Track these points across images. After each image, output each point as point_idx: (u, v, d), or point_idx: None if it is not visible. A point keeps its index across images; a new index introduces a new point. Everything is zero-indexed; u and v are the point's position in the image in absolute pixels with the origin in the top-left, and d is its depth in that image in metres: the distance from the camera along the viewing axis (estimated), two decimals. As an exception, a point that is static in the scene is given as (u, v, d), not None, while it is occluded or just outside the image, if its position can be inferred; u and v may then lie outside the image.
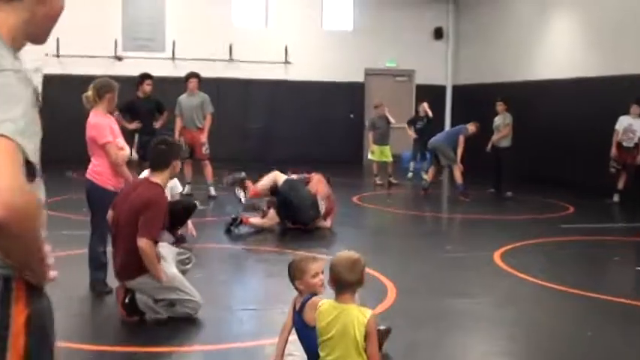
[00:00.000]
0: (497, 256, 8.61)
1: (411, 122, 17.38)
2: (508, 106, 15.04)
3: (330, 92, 21.10)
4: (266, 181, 10.59)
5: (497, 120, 15.00)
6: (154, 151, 6.16)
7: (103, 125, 6.66)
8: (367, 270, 7.73)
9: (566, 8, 17.12)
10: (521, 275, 7.73)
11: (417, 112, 17.31)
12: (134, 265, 5.73)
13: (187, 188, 13.03)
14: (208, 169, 13.16)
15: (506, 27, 19.47)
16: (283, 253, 8.53)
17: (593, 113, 15.43)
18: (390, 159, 16.18)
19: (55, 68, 17.97)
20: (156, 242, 5.80)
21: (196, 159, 13.18)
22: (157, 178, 5.97)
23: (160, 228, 5.88)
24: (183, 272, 6.23)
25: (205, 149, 13.16)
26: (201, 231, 10.43)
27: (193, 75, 13.48)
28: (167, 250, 6.24)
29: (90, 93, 6.73)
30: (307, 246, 8.67)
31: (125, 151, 6.82)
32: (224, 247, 9.41)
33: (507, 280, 7.68)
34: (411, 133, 16.89)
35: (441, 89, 21.97)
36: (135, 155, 10.80)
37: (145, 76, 13.01)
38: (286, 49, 20.77)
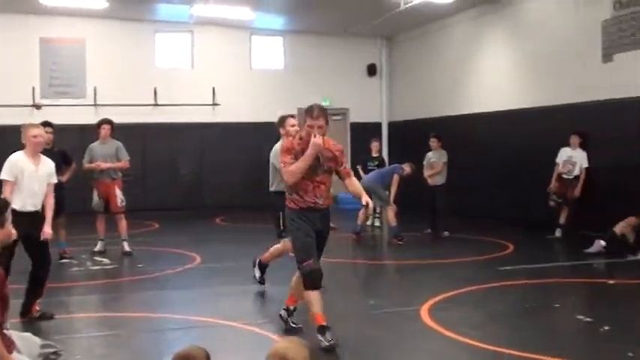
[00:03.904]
0: (425, 311, 7.84)
1: (363, 162, 16.56)
2: (442, 142, 14.56)
3: (262, 133, 20.26)
4: None
5: (432, 156, 14.54)
6: None
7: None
8: (262, 332, 7.09)
9: (500, 41, 16.91)
10: (450, 334, 6.95)
11: (369, 151, 16.44)
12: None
13: (100, 245, 12.17)
14: (123, 223, 12.21)
15: (439, 62, 19.20)
16: (216, 325, 7.64)
17: (531, 146, 15.12)
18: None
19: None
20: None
21: (111, 213, 12.24)
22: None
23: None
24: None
25: (121, 202, 12.22)
26: (116, 294, 9.62)
27: (105, 121, 12.51)
28: (26, 341, 5.15)
29: None
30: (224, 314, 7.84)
31: None
32: (147, 316, 8.23)
33: (434, 341, 6.88)
34: (363, 174, 16.00)
35: (377, 126, 21.42)
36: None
37: (44, 124, 11.68)
38: (214, 91, 20.09)
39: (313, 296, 6.60)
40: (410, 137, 19.45)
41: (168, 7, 18.29)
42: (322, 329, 6.51)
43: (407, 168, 14.02)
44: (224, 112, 20.16)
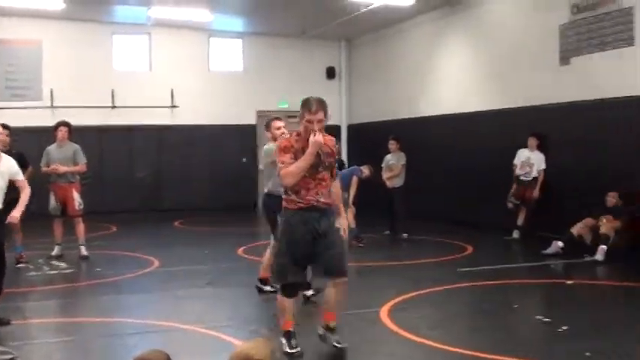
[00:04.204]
0: (385, 313, 7.85)
1: None
2: (401, 145, 14.60)
3: (221, 136, 20.36)
4: None
5: (390, 159, 14.56)
6: None
7: None
8: (221, 335, 7.05)
9: (459, 44, 16.98)
10: (410, 336, 6.96)
11: None
12: None
13: (57, 249, 12.00)
14: (80, 227, 12.05)
15: (399, 64, 19.24)
16: (175, 329, 7.56)
17: (489, 148, 15.22)
18: None
19: None
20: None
21: (68, 216, 12.06)
22: None
23: None
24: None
25: (79, 205, 12.05)
26: (73, 299, 9.47)
27: (63, 124, 12.26)
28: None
29: None
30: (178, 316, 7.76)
31: None
32: (105, 320, 8.08)
33: (393, 343, 6.89)
34: None
35: (336, 129, 21.40)
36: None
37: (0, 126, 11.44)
38: (172, 93, 19.93)
39: (285, 303, 6.45)
40: (369, 140, 19.47)
41: (125, 8, 18.12)
42: (288, 334, 6.41)
43: (366, 170, 14.00)
44: (182, 115, 20.03)
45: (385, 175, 14.56)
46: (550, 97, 13.87)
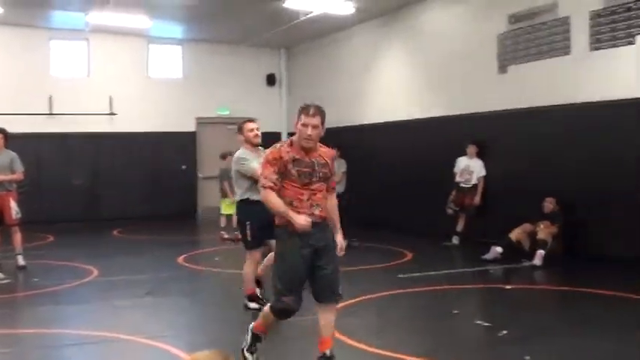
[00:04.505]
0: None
1: None
2: (342, 152, 14.65)
3: (160, 143, 20.20)
4: None
5: (331, 166, 14.56)
6: None
7: None
8: (161, 345, 6.97)
9: (399, 52, 17.13)
10: (352, 342, 6.97)
11: None
12: None
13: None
14: (17, 236, 11.80)
15: (339, 72, 19.33)
16: (115, 339, 7.43)
17: (429, 155, 15.38)
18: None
19: None
20: None
21: (5, 225, 11.82)
22: None
23: None
24: None
25: (16, 214, 11.80)
26: (10, 310, 9.28)
27: (-1, 131, 12.06)
28: None
29: None
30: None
31: None
32: (42, 332, 7.88)
33: (337, 349, 6.87)
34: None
35: (276, 136, 21.37)
36: None
37: None
38: (111, 100, 19.69)
39: (272, 321, 6.05)
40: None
41: (63, 14, 17.83)
42: (255, 337, 6.23)
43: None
44: (121, 122, 19.80)
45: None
46: (488, 105, 14.06)
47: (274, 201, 5.72)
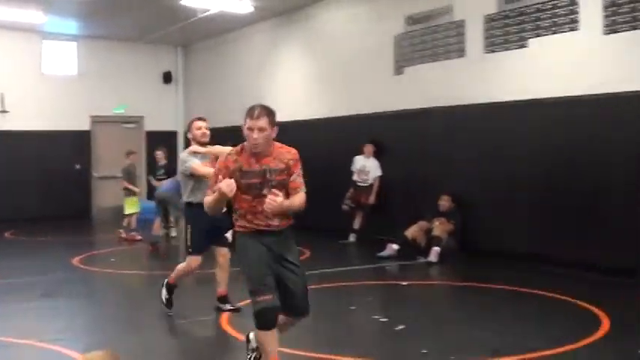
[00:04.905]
0: (225, 319, 7.85)
1: (152, 172, 16.22)
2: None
3: (54, 142, 19.70)
4: None
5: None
6: None
7: None
8: (57, 348, 6.85)
9: (297, 52, 17.22)
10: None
11: (155, 161, 16.20)
12: None
13: None
14: None
15: (236, 71, 19.29)
16: (10, 344, 7.23)
17: (326, 155, 15.43)
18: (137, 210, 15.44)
19: None
20: None
21: None
22: None
23: None
24: None
25: None
26: None
27: None
28: None
29: None
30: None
31: None
32: None
33: (236, 349, 6.89)
34: (157, 184, 15.59)
35: (172, 135, 21.23)
36: None
37: None
38: (2, 97, 19.11)
39: (266, 337, 5.27)
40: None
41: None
42: None
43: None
44: (13, 120, 19.18)
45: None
46: (385, 105, 14.26)
47: (207, 199, 5.38)
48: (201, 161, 7.87)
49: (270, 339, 5.28)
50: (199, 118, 8.23)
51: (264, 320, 5.19)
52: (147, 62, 21.13)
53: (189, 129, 8.16)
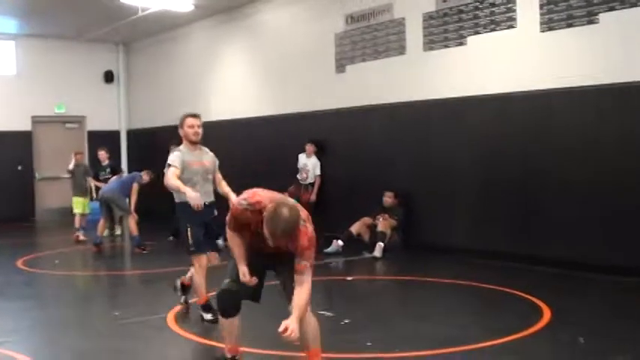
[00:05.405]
0: (171, 318, 7.84)
1: (95, 173, 16.12)
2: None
3: (-6, 143, 19.41)
4: None
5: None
6: None
7: None
8: (3, 351, 6.79)
9: (238, 50, 17.27)
10: (198, 339, 7.04)
11: (98, 161, 16.12)
12: None
13: None
14: None
15: (179, 69, 19.27)
16: None
17: (270, 153, 15.53)
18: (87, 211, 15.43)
19: None
20: None
21: None
22: None
23: None
24: None
25: None
26: None
27: None
28: None
29: None
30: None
31: None
32: None
33: (183, 347, 6.96)
34: (100, 184, 15.47)
35: (115, 135, 21.07)
36: None
37: None
38: (-63, 98, 18.79)
39: (224, 324, 5.50)
40: (149, 145, 19.30)
41: None
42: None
43: (145, 176, 14.04)
44: (-50, 121, 18.93)
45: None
46: (327, 103, 14.38)
47: (230, 243, 5.39)
48: (190, 159, 7.53)
49: (228, 326, 5.52)
50: (193, 115, 7.73)
51: (220, 302, 5.38)
52: (88, 61, 20.91)
53: (181, 126, 7.66)
